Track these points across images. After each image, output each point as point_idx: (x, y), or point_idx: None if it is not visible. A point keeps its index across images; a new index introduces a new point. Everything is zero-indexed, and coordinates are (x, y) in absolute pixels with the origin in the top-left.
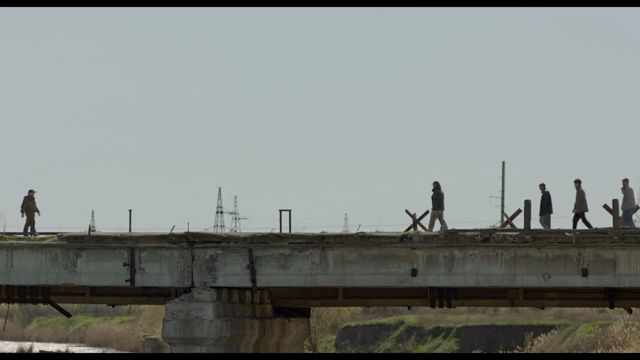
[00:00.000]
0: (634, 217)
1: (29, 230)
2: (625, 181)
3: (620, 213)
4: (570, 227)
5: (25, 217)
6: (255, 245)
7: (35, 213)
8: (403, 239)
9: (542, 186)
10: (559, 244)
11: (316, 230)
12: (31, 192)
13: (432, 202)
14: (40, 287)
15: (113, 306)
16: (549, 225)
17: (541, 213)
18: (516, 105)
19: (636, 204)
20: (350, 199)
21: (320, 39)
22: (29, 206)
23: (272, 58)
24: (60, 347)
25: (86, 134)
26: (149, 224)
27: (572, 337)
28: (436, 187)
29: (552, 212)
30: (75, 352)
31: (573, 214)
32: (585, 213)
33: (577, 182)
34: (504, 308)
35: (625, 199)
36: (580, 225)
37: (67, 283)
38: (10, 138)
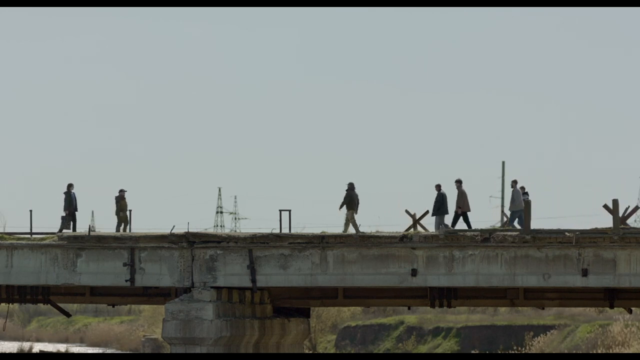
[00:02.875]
0: (633, 218)
1: (121, 230)
2: (514, 182)
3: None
4: (570, 227)
5: (117, 217)
6: (255, 245)
7: (128, 213)
8: (403, 239)
9: (438, 187)
10: (559, 244)
11: (316, 230)
12: (122, 191)
13: (344, 202)
14: (40, 287)
15: (113, 306)
16: (442, 226)
17: (433, 214)
18: (516, 105)
19: (523, 205)
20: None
21: (321, 39)
22: (121, 206)
23: (272, 58)
24: (60, 347)
25: (86, 134)
26: (149, 224)
27: (572, 337)
28: (350, 188)
29: (446, 213)
30: (75, 352)
31: (454, 214)
32: (468, 213)
33: (458, 182)
34: (504, 308)
35: (512, 200)
36: (462, 225)
37: (67, 283)
38: (10, 138)
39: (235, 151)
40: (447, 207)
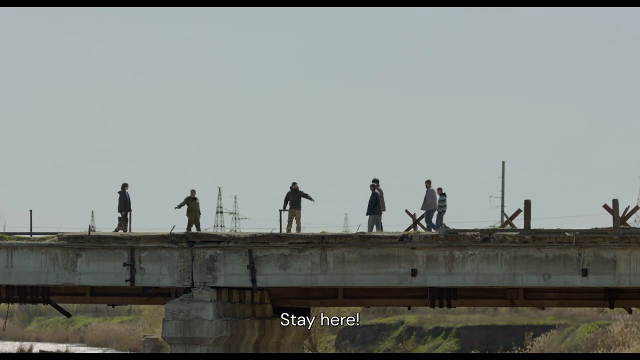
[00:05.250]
0: (633, 218)
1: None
2: (427, 182)
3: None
4: (570, 227)
5: (188, 217)
6: (255, 245)
7: (198, 214)
8: (403, 239)
9: (372, 187)
10: (559, 244)
11: (316, 230)
12: (193, 192)
13: (291, 203)
14: (40, 287)
15: (113, 306)
16: (379, 226)
17: (367, 213)
18: (516, 105)
19: (437, 206)
20: (350, 199)
21: (321, 40)
22: (190, 206)
23: (272, 58)
24: (61, 347)
25: (86, 134)
26: (149, 224)
27: (572, 337)
28: (294, 189)
29: (379, 213)
30: (75, 352)
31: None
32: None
33: (375, 182)
34: (504, 308)
35: (424, 200)
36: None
37: (67, 283)
38: (10, 138)
39: (235, 151)
40: (380, 206)
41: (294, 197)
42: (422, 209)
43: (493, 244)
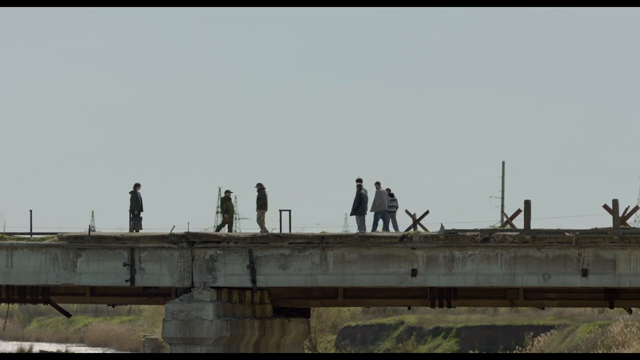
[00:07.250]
0: (633, 218)
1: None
2: (376, 184)
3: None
4: (570, 227)
5: (222, 218)
6: (255, 245)
7: (234, 213)
8: (403, 239)
9: (359, 187)
10: (559, 244)
11: (316, 230)
12: (228, 192)
13: (257, 202)
14: (40, 287)
15: (113, 306)
16: (364, 226)
17: (351, 213)
18: (516, 105)
19: (387, 206)
20: (350, 199)
21: (321, 40)
22: (227, 207)
23: (272, 58)
24: (60, 347)
25: (86, 134)
26: (149, 224)
27: (572, 337)
28: (260, 188)
29: (364, 213)
30: (75, 352)
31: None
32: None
33: (359, 181)
34: (504, 308)
35: (373, 202)
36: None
37: (67, 283)
38: (10, 137)
39: (235, 151)
40: (364, 207)
41: (264, 197)
42: (371, 210)
43: (493, 244)
